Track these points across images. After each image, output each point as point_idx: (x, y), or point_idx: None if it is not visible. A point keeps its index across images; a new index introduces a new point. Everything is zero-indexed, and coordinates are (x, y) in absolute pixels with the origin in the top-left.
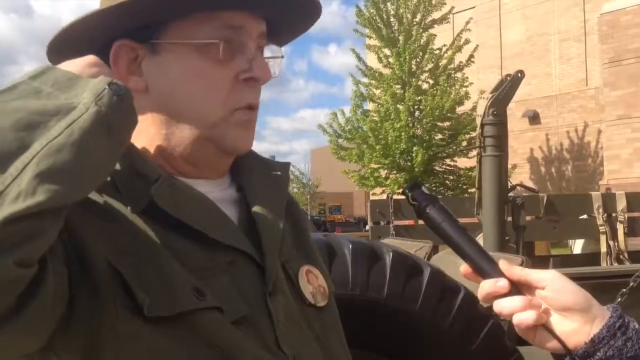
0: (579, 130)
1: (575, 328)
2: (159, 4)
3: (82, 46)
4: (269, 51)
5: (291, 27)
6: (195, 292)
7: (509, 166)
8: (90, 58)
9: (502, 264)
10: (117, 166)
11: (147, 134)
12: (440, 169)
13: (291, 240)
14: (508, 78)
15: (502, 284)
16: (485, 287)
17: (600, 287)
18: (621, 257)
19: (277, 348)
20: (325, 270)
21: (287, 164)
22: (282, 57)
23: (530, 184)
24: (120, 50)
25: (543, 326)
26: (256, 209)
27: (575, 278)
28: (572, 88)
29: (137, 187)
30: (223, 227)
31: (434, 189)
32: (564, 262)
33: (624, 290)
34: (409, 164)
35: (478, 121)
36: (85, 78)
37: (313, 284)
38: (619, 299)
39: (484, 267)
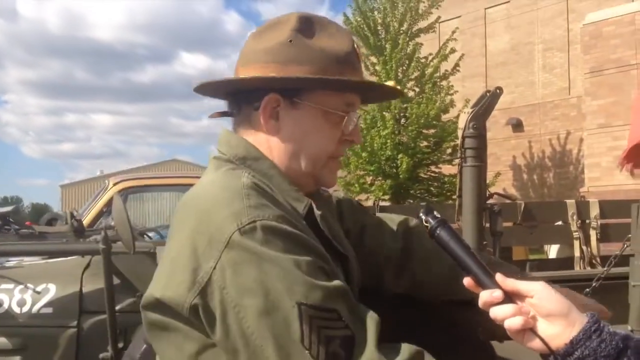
0: (561, 138)
1: (558, 332)
2: (311, 82)
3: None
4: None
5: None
6: None
7: (493, 173)
8: None
9: (498, 277)
10: (281, 188)
11: (278, 162)
12: (425, 176)
13: None
14: (488, 94)
15: (496, 294)
16: (483, 297)
17: (572, 289)
18: (593, 261)
19: None
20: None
21: (328, 191)
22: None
23: (513, 191)
24: (269, 100)
25: (530, 330)
26: (333, 232)
27: (548, 281)
28: (555, 97)
29: (296, 206)
30: (339, 241)
31: (418, 195)
32: (540, 266)
33: (587, 290)
34: (395, 170)
35: (460, 133)
36: None
37: None
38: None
39: (483, 280)
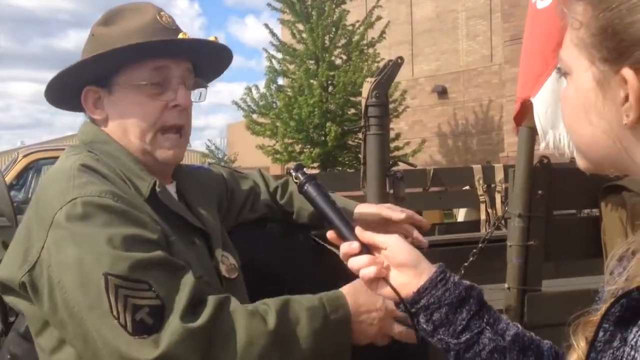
0: (484, 105)
1: (407, 281)
2: (108, 59)
3: (66, 91)
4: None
5: (210, 68)
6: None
7: (419, 140)
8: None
9: (357, 230)
10: (126, 167)
11: (122, 144)
12: (353, 143)
13: None
14: (390, 63)
15: (354, 246)
16: (343, 249)
17: (461, 252)
18: (498, 224)
19: None
20: (233, 251)
21: (206, 168)
22: (206, 86)
23: (438, 157)
24: (87, 94)
25: (383, 279)
26: (195, 207)
27: (455, 243)
28: (478, 64)
29: (139, 184)
30: (191, 217)
31: (347, 162)
32: (448, 229)
33: (475, 250)
34: (323, 138)
35: (363, 102)
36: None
37: (225, 263)
38: (471, 258)
39: (344, 233)
